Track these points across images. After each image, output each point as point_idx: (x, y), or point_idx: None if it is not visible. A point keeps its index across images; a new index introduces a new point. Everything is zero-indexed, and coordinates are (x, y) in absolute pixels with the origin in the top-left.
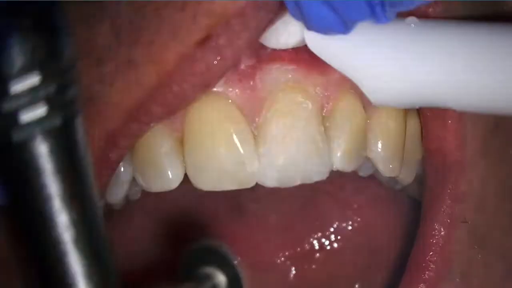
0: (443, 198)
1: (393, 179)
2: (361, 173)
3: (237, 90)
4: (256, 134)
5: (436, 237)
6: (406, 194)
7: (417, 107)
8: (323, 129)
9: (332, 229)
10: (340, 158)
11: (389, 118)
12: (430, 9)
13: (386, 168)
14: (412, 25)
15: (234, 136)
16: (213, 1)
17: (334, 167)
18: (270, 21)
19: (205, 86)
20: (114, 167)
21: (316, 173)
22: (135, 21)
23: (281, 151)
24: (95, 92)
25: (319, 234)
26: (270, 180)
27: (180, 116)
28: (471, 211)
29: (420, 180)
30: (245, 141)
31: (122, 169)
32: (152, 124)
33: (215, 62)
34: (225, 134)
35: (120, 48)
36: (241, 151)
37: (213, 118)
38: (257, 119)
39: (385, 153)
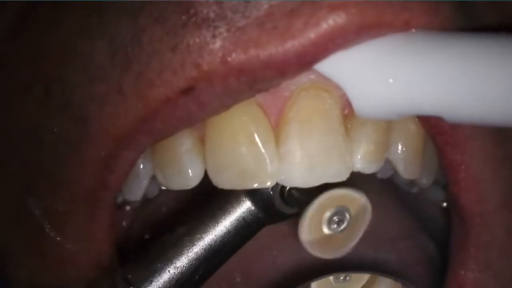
0: (467, 246)
1: (411, 182)
2: (380, 175)
3: None
4: (277, 134)
5: (463, 282)
6: (425, 198)
7: (405, 117)
8: (344, 130)
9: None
10: (361, 160)
11: (410, 120)
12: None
13: (406, 170)
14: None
15: (256, 135)
16: (202, 56)
17: (355, 168)
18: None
19: (190, 125)
20: (113, 191)
21: (336, 173)
22: (130, 46)
23: (302, 151)
24: (87, 112)
25: None
26: (291, 179)
27: None
28: (496, 258)
29: (439, 183)
30: (266, 140)
31: (141, 166)
32: (143, 151)
33: (197, 111)
34: (247, 133)
35: (113, 71)
36: (262, 150)
37: (235, 116)
38: (278, 118)
39: (405, 155)
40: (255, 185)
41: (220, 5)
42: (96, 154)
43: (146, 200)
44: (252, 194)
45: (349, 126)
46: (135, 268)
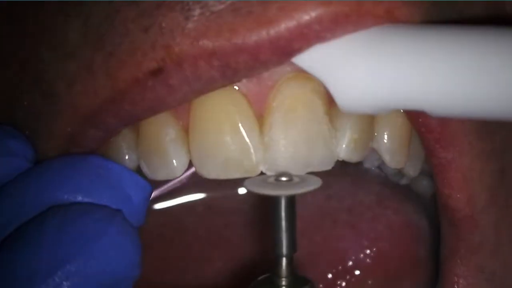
0: (458, 250)
1: (399, 173)
2: (366, 165)
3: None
4: (261, 123)
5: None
6: (414, 191)
7: (389, 111)
8: (328, 118)
9: (351, 262)
10: (345, 148)
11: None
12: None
13: (392, 159)
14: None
15: (240, 125)
16: (174, 38)
17: (340, 157)
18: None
19: (157, 112)
20: None
21: (321, 162)
22: (103, 26)
23: (286, 140)
24: (57, 89)
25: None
26: (275, 168)
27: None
28: (487, 260)
29: (427, 174)
30: (250, 130)
31: (126, 157)
32: (112, 132)
33: (165, 96)
34: (231, 122)
35: (84, 50)
36: (247, 139)
37: (219, 106)
38: (262, 107)
39: (391, 144)
40: (240, 175)
41: None
42: (63, 130)
43: None
44: None
45: (333, 115)
46: None
